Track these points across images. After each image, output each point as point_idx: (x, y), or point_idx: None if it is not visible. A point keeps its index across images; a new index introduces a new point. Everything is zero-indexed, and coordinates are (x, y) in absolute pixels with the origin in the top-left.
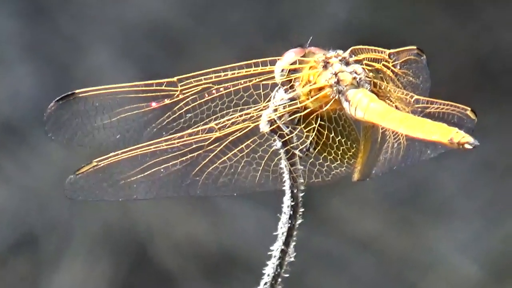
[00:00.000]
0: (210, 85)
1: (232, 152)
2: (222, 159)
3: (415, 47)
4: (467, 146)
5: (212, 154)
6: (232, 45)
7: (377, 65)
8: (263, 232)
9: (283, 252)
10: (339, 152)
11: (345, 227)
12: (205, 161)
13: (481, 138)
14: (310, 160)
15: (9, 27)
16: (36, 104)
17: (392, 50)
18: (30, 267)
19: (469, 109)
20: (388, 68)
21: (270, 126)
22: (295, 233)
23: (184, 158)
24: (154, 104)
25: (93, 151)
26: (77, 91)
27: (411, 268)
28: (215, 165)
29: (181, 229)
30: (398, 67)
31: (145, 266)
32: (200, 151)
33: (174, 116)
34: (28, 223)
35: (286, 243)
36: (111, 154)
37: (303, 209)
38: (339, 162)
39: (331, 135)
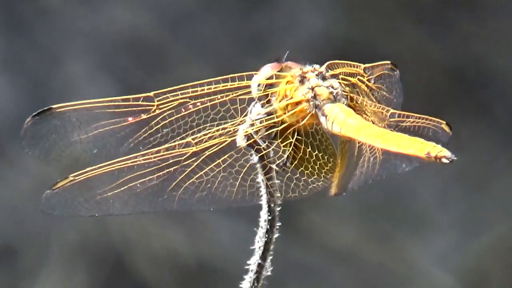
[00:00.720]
0: (187, 99)
1: (209, 167)
2: (199, 174)
3: (389, 62)
4: (444, 160)
5: (189, 169)
6: (208, 59)
7: (353, 80)
8: (240, 243)
9: (260, 266)
10: (316, 167)
11: (322, 238)
12: (182, 176)
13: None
14: (287, 175)
15: None
16: (12, 117)
17: (366, 65)
18: (8, 279)
19: (444, 122)
20: (363, 82)
21: (247, 140)
22: (272, 247)
23: (161, 173)
24: (131, 119)
25: (71, 165)
26: (54, 106)
27: (389, 280)
28: (192, 180)
29: (158, 240)
30: (373, 81)
31: (122, 277)
32: (177, 166)
33: (151, 131)
34: (5, 235)
35: (263, 257)
36: (87, 169)
37: (280, 223)
38: (316, 176)
39: (308, 150)
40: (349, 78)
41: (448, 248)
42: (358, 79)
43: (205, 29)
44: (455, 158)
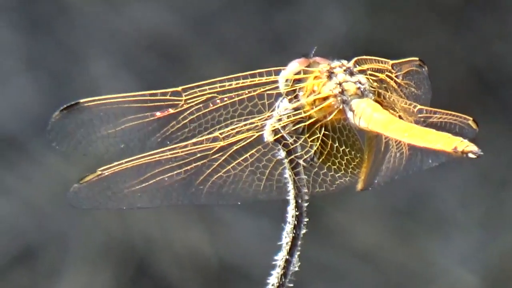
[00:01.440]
0: (215, 94)
1: (236, 161)
2: (226, 168)
3: (417, 58)
4: (471, 155)
5: (216, 163)
6: (231, 58)
7: (381, 76)
8: (263, 242)
9: (288, 262)
10: (343, 162)
11: (345, 238)
12: (209, 170)
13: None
14: (314, 170)
15: (7, 39)
16: (36, 115)
17: (394, 61)
18: (30, 280)
19: (471, 119)
20: (391, 78)
21: (274, 135)
22: (299, 242)
23: (188, 167)
24: (158, 114)
25: (94, 162)
26: (81, 100)
27: (411, 280)
28: (219, 174)
29: (181, 240)
30: (401, 78)
31: (145, 278)
32: (204, 160)
33: (178, 125)
34: (28, 235)
35: (291, 253)
36: (115, 163)
37: (307, 219)
38: (343, 171)
39: (335, 145)
40: (377, 74)
41: (471, 248)
42: (386, 75)
43: (229, 29)
44: (482, 153)
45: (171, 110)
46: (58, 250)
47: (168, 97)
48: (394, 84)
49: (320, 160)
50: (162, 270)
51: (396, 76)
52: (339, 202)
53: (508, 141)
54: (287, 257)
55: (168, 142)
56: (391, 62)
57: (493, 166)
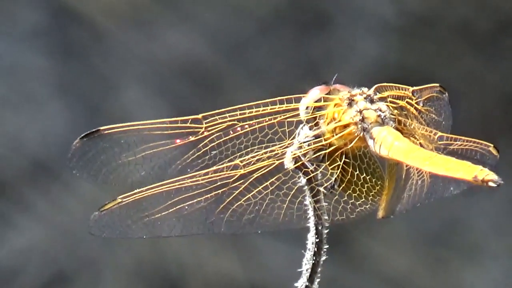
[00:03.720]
0: (235, 122)
1: (257, 189)
2: (247, 196)
3: (437, 85)
4: (491, 184)
5: (237, 191)
6: (263, 85)
7: (401, 103)
8: (295, 267)
9: None
10: (364, 190)
11: (377, 265)
12: (229, 198)
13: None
14: (335, 198)
15: (40, 64)
16: (68, 142)
17: (415, 88)
18: None
19: (492, 145)
20: (412, 105)
21: (295, 163)
22: (319, 269)
23: (208, 195)
24: (179, 141)
25: (119, 187)
26: (101, 128)
27: None
28: (239, 202)
29: (213, 266)
30: (421, 104)
31: None
32: (225, 188)
33: (199, 153)
34: (60, 261)
35: (311, 279)
36: (135, 191)
37: (327, 246)
38: (363, 199)
39: (356, 173)
40: (397, 101)
41: (503, 275)
42: (407, 102)
43: (261, 56)
44: (502, 182)
45: (191, 138)
46: (91, 275)
47: (188, 124)
48: (414, 111)
49: (341, 187)
50: None
51: (416, 103)
52: (372, 229)
53: None
54: (307, 283)
55: (189, 170)
56: (411, 88)
57: None
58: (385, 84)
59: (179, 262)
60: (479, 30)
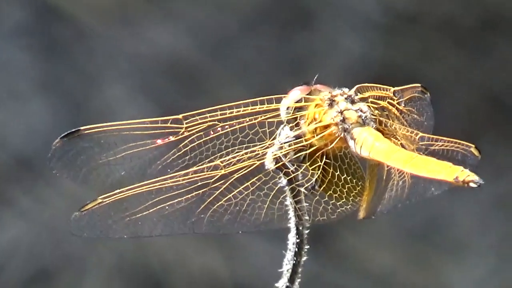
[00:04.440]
0: (216, 122)
1: (237, 190)
2: (227, 197)
3: (419, 85)
4: (472, 184)
5: (217, 192)
6: (247, 82)
7: (382, 103)
8: (279, 265)
9: None
10: (345, 190)
11: (360, 262)
12: (210, 199)
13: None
14: (316, 198)
15: (23, 61)
16: (52, 139)
17: (396, 88)
18: None
19: (473, 146)
20: (393, 105)
21: (276, 163)
22: (300, 269)
23: (189, 196)
24: (159, 141)
25: (104, 187)
26: (82, 128)
27: None
28: (220, 203)
29: (197, 263)
30: (403, 104)
31: None
32: (205, 189)
33: (179, 153)
34: (43, 257)
35: (291, 280)
36: (116, 191)
37: (308, 246)
38: (344, 200)
39: (336, 173)
40: (379, 102)
41: (486, 273)
42: (388, 102)
43: (245, 53)
44: (483, 183)
45: (172, 138)
46: (74, 272)
47: (169, 124)
48: (395, 111)
49: (322, 188)
50: None
51: (398, 103)
52: (355, 226)
53: None
54: (288, 284)
55: (169, 170)
56: (392, 89)
57: (509, 191)
58: (366, 84)
59: (162, 259)
60: (463, 27)
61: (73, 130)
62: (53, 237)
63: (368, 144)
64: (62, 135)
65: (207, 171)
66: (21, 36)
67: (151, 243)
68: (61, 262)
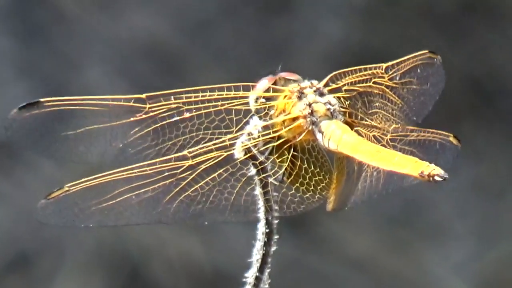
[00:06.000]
0: (180, 105)
1: (204, 181)
2: (194, 188)
3: (426, 51)
4: (437, 178)
5: (185, 182)
6: (227, 66)
7: (361, 87)
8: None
9: (258, 279)
10: (312, 183)
11: (340, 247)
12: (177, 189)
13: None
14: (282, 191)
15: (2, 45)
16: None
17: (391, 62)
18: (24, 286)
19: (452, 135)
20: (381, 84)
21: (245, 154)
22: (269, 260)
23: (156, 186)
24: (120, 120)
25: (88, 169)
26: (42, 99)
27: None
28: (187, 193)
29: (174, 248)
30: (398, 78)
31: (138, 285)
32: (172, 179)
33: (141, 133)
34: (22, 242)
35: (261, 270)
36: (82, 180)
37: (277, 236)
38: (311, 192)
39: (304, 166)
40: (356, 87)
41: (465, 257)
42: (374, 82)
43: (224, 36)
44: (447, 177)
45: (134, 117)
46: (53, 256)
47: (131, 103)
48: (385, 89)
49: (289, 180)
50: (155, 277)
51: (390, 79)
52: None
53: (505, 151)
54: (258, 274)
55: (130, 149)
56: (385, 65)
57: (489, 175)
58: (344, 70)
59: (141, 243)
60: (443, 12)
61: (33, 101)
62: (32, 221)
63: (335, 137)
64: (21, 105)
65: (174, 162)
66: (0, 20)
67: (130, 228)
68: (40, 245)
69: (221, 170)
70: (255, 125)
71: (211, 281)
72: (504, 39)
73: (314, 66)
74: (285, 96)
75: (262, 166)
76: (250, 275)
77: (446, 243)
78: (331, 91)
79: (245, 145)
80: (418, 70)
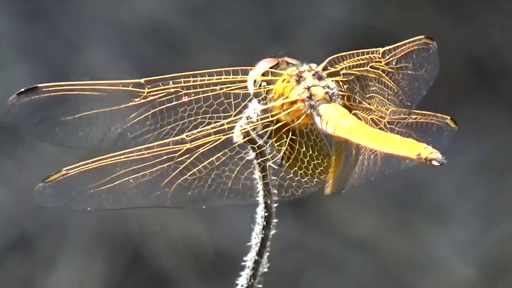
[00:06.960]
0: (178, 89)
1: (202, 164)
2: (192, 171)
3: (422, 37)
4: (434, 162)
5: (183, 166)
6: (228, 47)
7: (359, 71)
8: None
9: (257, 263)
10: (310, 167)
11: (342, 228)
12: (175, 173)
13: (477, 139)
14: (280, 175)
15: (4, 27)
16: None
17: (388, 47)
18: (26, 266)
19: (449, 117)
20: (378, 68)
21: (243, 137)
22: (268, 243)
23: (154, 169)
24: (119, 105)
25: (88, 152)
26: (39, 85)
27: (408, 269)
28: (185, 177)
29: (176, 229)
30: (394, 63)
31: (140, 266)
32: (170, 162)
33: (140, 117)
34: (24, 222)
35: (260, 253)
36: (80, 163)
37: (276, 220)
38: (309, 176)
39: (302, 150)
40: (354, 71)
41: (468, 237)
42: (371, 66)
43: (226, 18)
44: (445, 161)
45: (132, 102)
46: (54, 237)
47: (130, 88)
48: (381, 73)
49: (287, 164)
50: (157, 257)
51: (386, 63)
52: None
53: (506, 131)
54: (257, 258)
55: (129, 134)
56: (382, 49)
57: (491, 155)
58: (341, 54)
59: (143, 224)
60: None
61: (31, 86)
62: (33, 203)
63: (333, 120)
64: (19, 91)
65: (172, 145)
66: (2, 2)
67: (132, 209)
68: (41, 226)
69: (219, 154)
70: (253, 108)
71: (213, 260)
72: (505, 20)
73: (317, 49)
74: (284, 80)
75: (260, 150)
76: (249, 259)
77: (448, 223)
78: (330, 75)
79: (243, 129)
80: (414, 55)
